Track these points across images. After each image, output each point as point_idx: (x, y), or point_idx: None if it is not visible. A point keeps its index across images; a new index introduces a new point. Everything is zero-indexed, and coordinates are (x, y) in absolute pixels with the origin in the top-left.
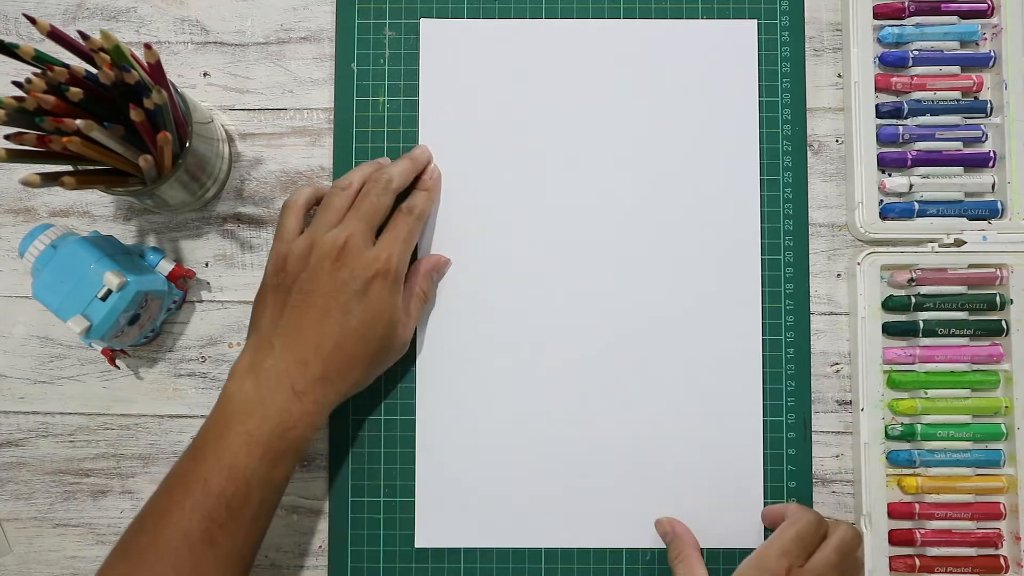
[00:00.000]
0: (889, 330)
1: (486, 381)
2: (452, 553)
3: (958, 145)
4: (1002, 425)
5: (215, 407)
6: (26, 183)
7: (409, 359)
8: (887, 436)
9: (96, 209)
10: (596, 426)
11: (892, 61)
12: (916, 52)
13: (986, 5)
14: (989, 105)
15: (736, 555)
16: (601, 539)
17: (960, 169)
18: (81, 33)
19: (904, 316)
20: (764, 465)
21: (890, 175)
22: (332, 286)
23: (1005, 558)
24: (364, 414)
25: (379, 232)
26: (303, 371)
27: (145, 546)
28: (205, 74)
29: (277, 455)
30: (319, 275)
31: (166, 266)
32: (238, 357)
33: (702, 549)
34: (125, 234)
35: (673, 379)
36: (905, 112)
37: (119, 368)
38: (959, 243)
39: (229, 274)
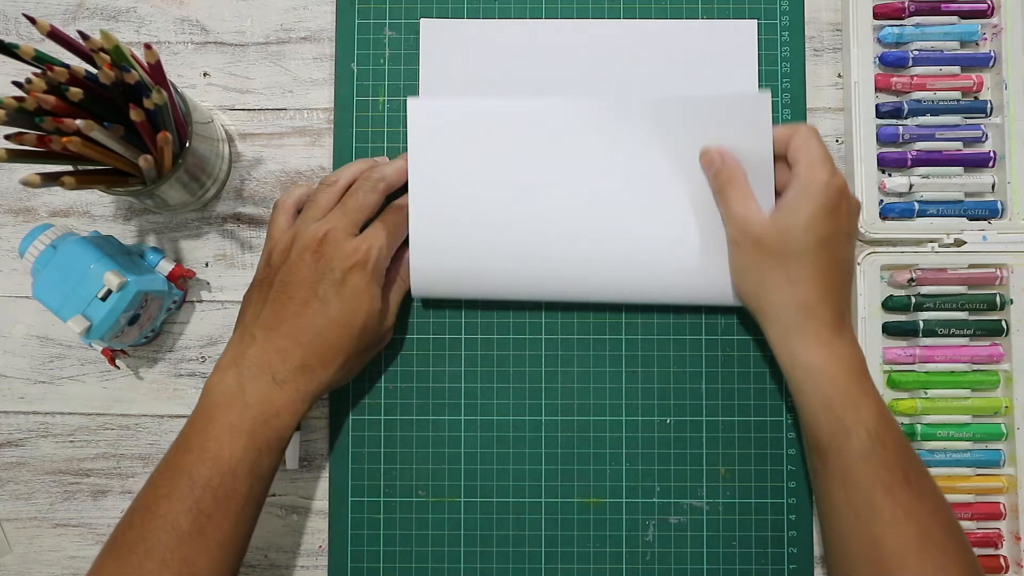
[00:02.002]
0: (889, 330)
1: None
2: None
3: (958, 145)
4: (1002, 425)
5: (199, 400)
6: (26, 183)
7: (409, 344)
8: None
9: (96, 209)
10: (587, 197)
11: (892, 61)
12: (916, 52)
13: (986, 5)
14: (989, 105)
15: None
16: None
17: (960, 169)
18: (81, 33)
19: (904, 316)
20: (765, 465)
21: (890, 175)
22: (311, 277)
23: (1005, 558)
24: (364, 414)
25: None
26: (283, 360)
27: (133, 541)
28: (205, 74)
29: (261, 444)
30: (299, 267)
31: (166, 266)
32: (223, 352)
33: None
34: (125, 234)
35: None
36: (905, 112)
37: (119, 368)
38: (959, 243)
39: (229, 274)
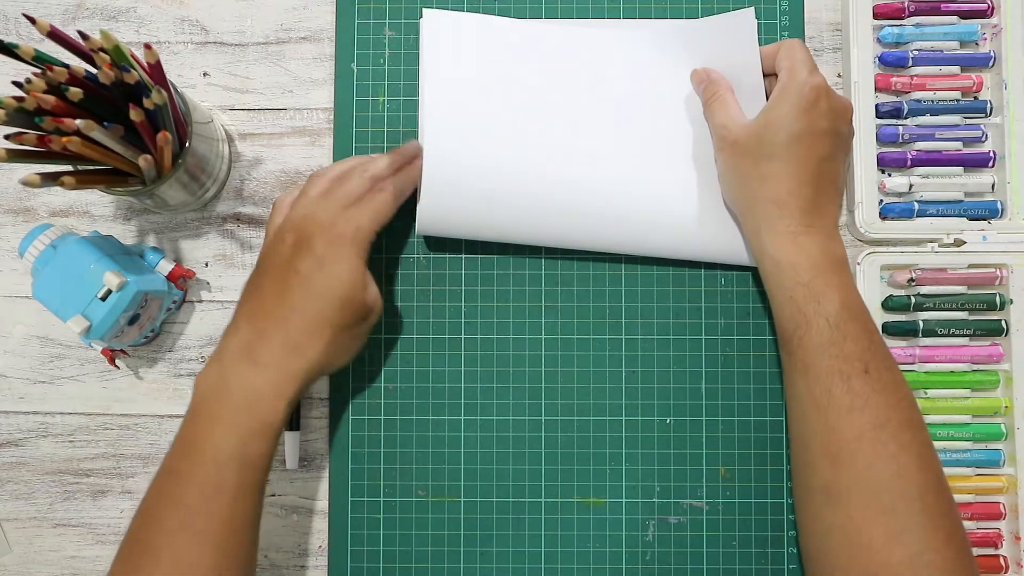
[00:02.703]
0: (889, 330)
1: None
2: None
3: (958, 145)
4: (1002, 425)
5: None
6: (26, 183)
7: (409, 344)
8: None
9: (96, 209)
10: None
11: (892, 61)
12: (916, 52)
13: (986, 5)
14: (989, 105)
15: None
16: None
17: (960, 169)
18: (81, 33)
19: (904, 316)
20: (765, 465)
21: (890, 175)
22: (290, 255)
23: (1005, 558)
24: (364, 414)
25: None
26: (264, 342)
27: (131, 543)
28: (205, 74)
29: (243, 431)
30: (279, 248)
31: (166, 266)
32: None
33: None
34: (125, 234)
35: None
36: (905, 112)
37: (119, 368)
38: (959, 243)
39: (229, 274)
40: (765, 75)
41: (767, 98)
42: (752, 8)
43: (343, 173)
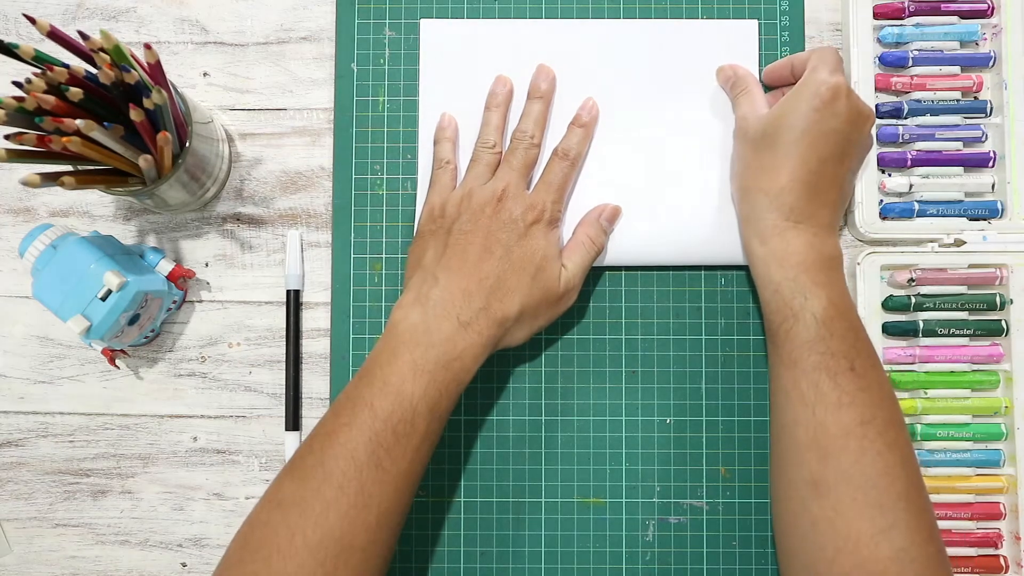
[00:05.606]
0: (889, 330)
1: None
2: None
3: (958, 145)
4: (1002, 425)
5: (382, 336)
6: (26, 183)
7: None
8: None
9: (96, 209)
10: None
11: (892, 61)
12: (916, 52)
13: (986, 5)
14: (989, 105)
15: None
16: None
17: (960, 169)
18: (81, 33)
19: (904, 316)
20: (765, 465)
21: (890, 175)
22: (493, 226)
23: (1005, 558)
24: None
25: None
26: (468, 301)
27: (313, 466)
28: (205, 74)
29: (441, 385)
30: (480, 217)
31: (166, 266)
32: (401, 294)
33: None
34: (125, 234)
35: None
36: (905, 112)
37: (119, 368)
38: (959, 243)
39: (229, 274)
40: (792, 84)
41: (766, 108)
42: (755, 20)
43: (500, 135)
